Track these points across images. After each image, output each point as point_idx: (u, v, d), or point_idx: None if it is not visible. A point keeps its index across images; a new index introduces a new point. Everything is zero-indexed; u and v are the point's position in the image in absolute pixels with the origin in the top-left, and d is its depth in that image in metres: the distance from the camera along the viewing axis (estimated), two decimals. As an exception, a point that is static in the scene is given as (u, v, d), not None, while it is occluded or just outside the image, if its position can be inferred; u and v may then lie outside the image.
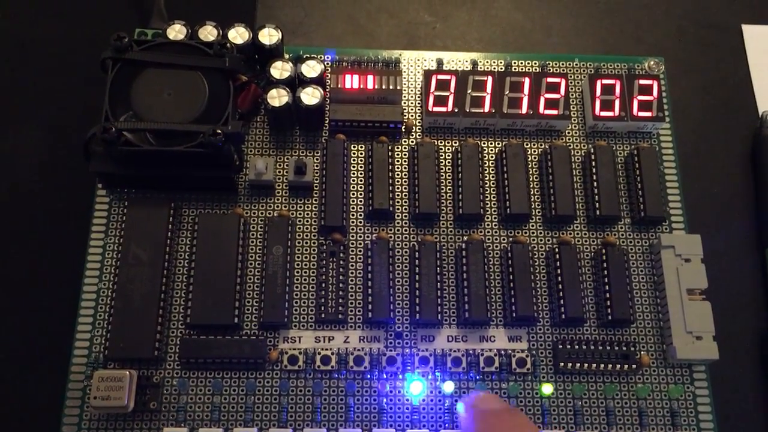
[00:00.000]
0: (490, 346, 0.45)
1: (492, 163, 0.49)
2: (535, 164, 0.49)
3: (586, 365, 0.44)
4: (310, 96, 0.47)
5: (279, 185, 0.48)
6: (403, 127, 0.49)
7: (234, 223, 0.45)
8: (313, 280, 0.46)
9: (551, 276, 0.46)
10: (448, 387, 0.44)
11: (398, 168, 0.48)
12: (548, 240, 0.47)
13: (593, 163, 0.48)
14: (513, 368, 0.44)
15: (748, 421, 0.48)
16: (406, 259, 0.46)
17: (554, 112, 0.49)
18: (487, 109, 0.48)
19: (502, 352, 0.44)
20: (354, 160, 0.48)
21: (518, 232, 0.47)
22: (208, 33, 0.47)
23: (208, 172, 0.45)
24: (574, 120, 0.50)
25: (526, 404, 0.44)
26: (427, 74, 0.49)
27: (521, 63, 0.52)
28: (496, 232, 0.47)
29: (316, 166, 0.48)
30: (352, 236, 0.47)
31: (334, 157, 0.47)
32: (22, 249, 0.49)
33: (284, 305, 0.44)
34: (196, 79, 0.44)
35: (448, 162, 0.49)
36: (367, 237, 0.47)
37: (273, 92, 0.46)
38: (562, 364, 0.44)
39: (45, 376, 0.46)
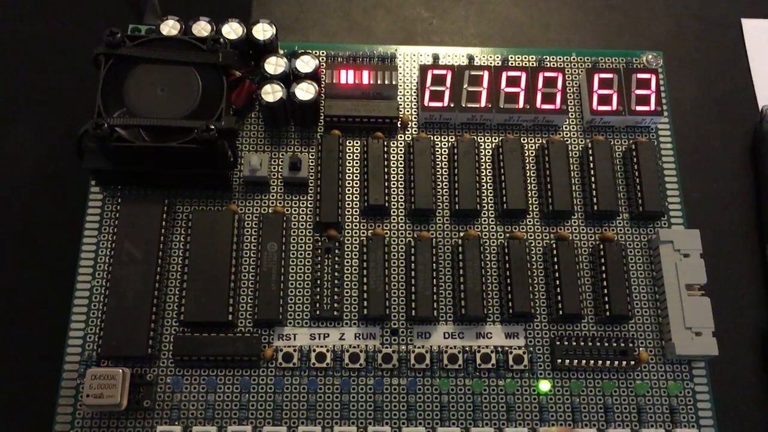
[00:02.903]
0: (486, 343, 0.44)
1: (488, 159, 0.48)
2: (532, 159, 0.48)
3: (584, 362, 0.43)
4: (305, 91, 0.46)
5: (273, 181, 0.47)
6: (399, 122, 0.48)
7: (228, 219, 0.45)
8: (308, 276, 0.45)
9: (548, 272, 0.45)
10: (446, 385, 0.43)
11: (394, 164, 0.48)
12: (545, 235, 0.47)
13: (591, 157, 0.47)
14: (510, 365, 0.43)
15: (749, 418, 0.48)
16: (401, 256, 0.46)
17: (551, 106, 0.48)
18: (483, 104, 0.48)
19: (499, 348, 0.44)
20: (349, 155, 0.48)
21: (515, 228, 0.47)
22: (202, 28, 0.47)
23: (202, 168, 0.44)
24: (572, 115, 0.50)
25: (523, 401, 0.43)
26: (423, 69, 0.49)
27: (518, 57, 0.51)
28: (492, 227, 0.47)
29: (311, 162, 0.47)
30: (348, 232, 0.46)
31: (329, 153, 0.46)
32: (15, 246, 0.49)
33: (279, 302, 0.44)
34: (189, 74, 0.44)
35: (444, 157, 0.48)
36: (363, 233, 0.46)
37: (267, 88, 0.46)
38: (559, 360, 0.43)
39: (38, 373, 0.46)
